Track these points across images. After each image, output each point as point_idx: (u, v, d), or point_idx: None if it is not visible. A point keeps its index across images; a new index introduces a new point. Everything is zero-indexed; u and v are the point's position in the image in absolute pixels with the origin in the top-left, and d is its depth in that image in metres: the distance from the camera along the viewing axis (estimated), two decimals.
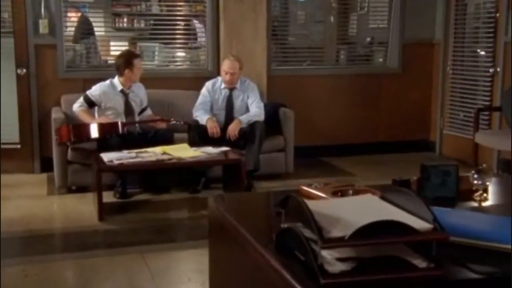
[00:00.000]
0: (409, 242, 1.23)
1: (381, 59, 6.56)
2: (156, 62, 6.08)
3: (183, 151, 4.43)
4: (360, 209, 1.31)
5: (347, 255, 1.19)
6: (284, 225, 1.39)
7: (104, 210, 4.14)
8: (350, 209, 1.31)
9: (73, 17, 5.85)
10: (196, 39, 6.12)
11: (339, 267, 1.17)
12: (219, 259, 1.81)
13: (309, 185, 1.84)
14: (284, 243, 1.35)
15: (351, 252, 1.20)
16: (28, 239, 3.82)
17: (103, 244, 3.75)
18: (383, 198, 1.42)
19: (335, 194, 1.72)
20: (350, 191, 1.71)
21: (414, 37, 6.20)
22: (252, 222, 1.60)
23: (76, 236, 3.84)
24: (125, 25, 6.18)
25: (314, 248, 1.18)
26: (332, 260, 1.19)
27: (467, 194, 1.86)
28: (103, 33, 6.02)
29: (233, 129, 4.85)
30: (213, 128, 4.82)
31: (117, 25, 6.14)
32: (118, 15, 6.15)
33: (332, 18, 6.61)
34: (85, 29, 5.88)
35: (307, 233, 1.26)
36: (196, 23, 6.16)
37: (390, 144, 6.23)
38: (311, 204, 1.30)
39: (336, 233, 1.18)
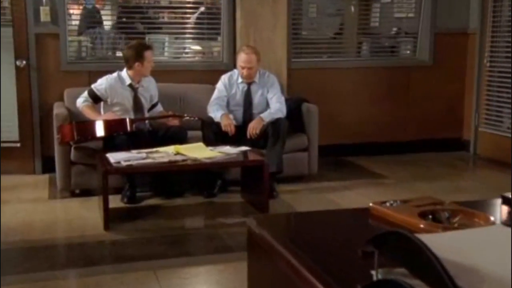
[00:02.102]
0: None
1: (408, 51, 6.09)
2: (166, 54, 5.64)
3: (198, 151, 3.98)
4: (503, 253, 0.86)
5: None
6: (377, 273, 0.93)
7: (111, 217, 3.70)
8: (487, 253, 0.85)
9: (75, 9, 5.47)
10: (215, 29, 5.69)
11: None
12: None
13: (382, 203, 1.38)
14: None
15: None
16: (25, 252, 3.37)
17: (109, 258, 3.30)
18: None
19: (423, 216, 1.26)
20: (446, 213, 1.24)
21: (446, 26, 5.71)
22: (319, 261, 1.13)
23: (79, 249, 3.39)
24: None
25: None
26: None
27: None
28: (109, 23, 5.60)
29: (254, 127, 4.39)
30: (227, 126, 4.37)
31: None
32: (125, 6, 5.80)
33: (352, 8, 6.16)
34: (90, 19, 5.46)
35: None
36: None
37: (420, 142, 5.77)
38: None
39: None
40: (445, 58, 5.75)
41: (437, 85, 5.79)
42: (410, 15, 6.05)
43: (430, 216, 1.25)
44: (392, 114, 5.74)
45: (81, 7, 5.52)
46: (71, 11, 5.25)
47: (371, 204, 1.40)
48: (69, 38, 5.08)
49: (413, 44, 5.94)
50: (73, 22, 5.25)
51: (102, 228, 3.64)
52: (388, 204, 1.37)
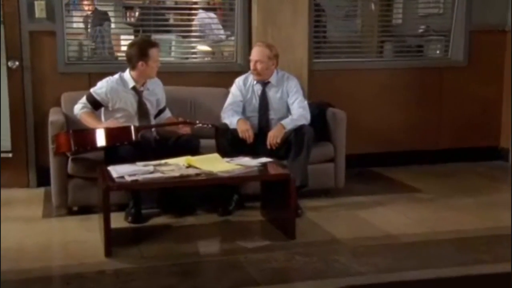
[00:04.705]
0: None
1: (438, 51, 5.58)
2: (173, 54, 5.16)
3: (213, 164, 3.47)
4: None
5: None
6: None
7: (113, 240, 3.19)
8: None
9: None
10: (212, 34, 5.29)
11: None
12: None
13: None
14: None
15: None
16: (15, 285, 2.85)
17: None
18: None
19: None
20: None
21: (482, 23, 5.20)
22: None
23: (77, 281, 2.86)
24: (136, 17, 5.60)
25: None
26: None
27: None
28: (112, 25, 5.27)
29: (275, 136, 3.89)
30: (245, 132, 3.87)
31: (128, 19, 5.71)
32: (130, 8, 5.66)
33: (372, 6, 5.69)
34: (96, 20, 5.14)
35: None
36: (206, 17, 5.30)
37: (454, 151, 5.28)
38: None
39: None
40: (481, 58, 5.24)
41: (472, 88, 5.28)
42: (439, 11, 5.55)
43: None
44: (423, 120, 5.24)
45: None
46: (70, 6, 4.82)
47: None
48: (67, 37, 4.58)
49: (444, 43, 5.43)
50: (71, 18, 4.76)
51: (103, 254, 3.14)
52: None
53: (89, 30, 5.18)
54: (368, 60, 5.28)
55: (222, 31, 5.31)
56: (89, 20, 5.29)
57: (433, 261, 3.05)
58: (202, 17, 5.34)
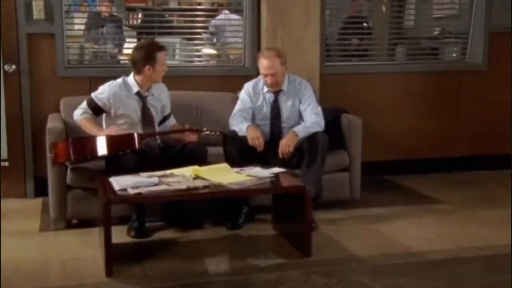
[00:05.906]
0: None
1: (454, 54, 5.35)
2: (178, 57, 4.93)
3: (222, 174, 3.23)
4: None
5: None
6: None
7: (115, 257, 2.96)
8: None
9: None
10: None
11: None
12: None
13: None
14: None
15: None
16: None
17: None
18: None
19: None
20: None
21: (502, 25, 4.97)
22: None
23: None
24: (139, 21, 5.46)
25: None
26: None
27: None
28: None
29: (287, 144, 3.65)
30: (255, 139, 3.65)
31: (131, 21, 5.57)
32: (132, 10, 5.52)
33: (383, 8, 5.49)
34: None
35: None
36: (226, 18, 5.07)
37: (473, 158, 5.03)
38: None
39: None
40: (501, 61, 5.01)
41: (491, 92, 5.05)
42: (456, 13, 5.32)
43: None
44: (440, 126, 5.01)
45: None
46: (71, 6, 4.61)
47: None
48: (67, 39, 4.36)
49: (461, 46, 5.19)
50: (71, 20, 4.54)
51: (104, 274, 2.90)
52: None
53: (103, 32, 4.98)
54: (383, 64, 5.05)
55: (240, 34, 5.06)
56: (103, 23, 5.10)
57: (463, 282, 2.81)
58: (221, 18, 5.10)
